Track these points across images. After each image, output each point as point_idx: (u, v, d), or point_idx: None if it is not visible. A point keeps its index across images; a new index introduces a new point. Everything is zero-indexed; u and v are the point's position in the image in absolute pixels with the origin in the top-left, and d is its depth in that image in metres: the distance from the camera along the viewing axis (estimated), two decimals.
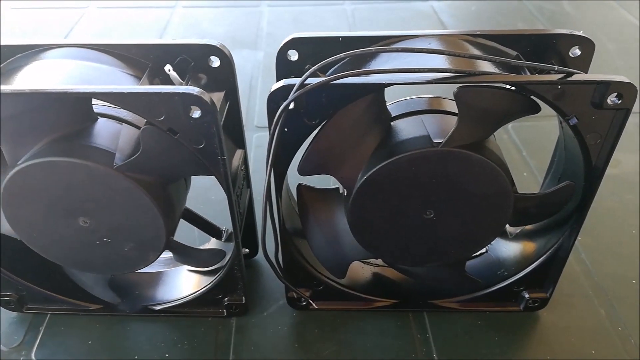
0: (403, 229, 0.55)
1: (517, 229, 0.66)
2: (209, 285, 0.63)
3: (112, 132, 0.52)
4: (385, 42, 0.54)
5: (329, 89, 0.46)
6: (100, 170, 0.49)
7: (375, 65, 0.50)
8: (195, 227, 0.69)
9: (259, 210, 0.52)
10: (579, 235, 0.58)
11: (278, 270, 0.58)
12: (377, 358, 0.61)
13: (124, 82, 0.51)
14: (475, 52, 0.51)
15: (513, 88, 0.48)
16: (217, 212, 0.70)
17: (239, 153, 0.61)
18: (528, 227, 0.65)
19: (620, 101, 0.46)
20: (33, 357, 0.61)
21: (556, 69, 0.47)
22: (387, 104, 0.53)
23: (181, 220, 0.62)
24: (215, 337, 0.64)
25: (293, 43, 0.54)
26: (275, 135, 0.48)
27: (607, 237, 0.76)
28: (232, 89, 0.56)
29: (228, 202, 0.53)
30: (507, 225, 0.66)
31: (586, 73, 0.54)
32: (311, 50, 0.54)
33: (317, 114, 0.49)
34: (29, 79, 0.50)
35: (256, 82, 1.13)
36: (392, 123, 0.54)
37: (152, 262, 0.57)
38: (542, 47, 0.54)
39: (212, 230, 0.69)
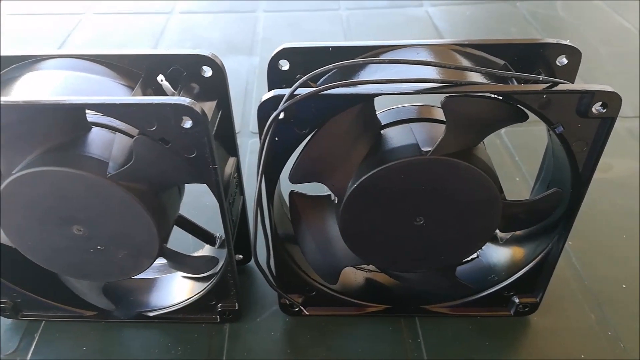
0: (393, 236, 0.56)
1: (508, 235, 0.67)
2: (202, 292, 0.64)
3: (105, 142, 0.52)
4: (375, 52, 0.54)
5: (318, 99, 0.47)
6: (93, 179, 0.50)
7: (364, 75, 0.51)
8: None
9: (252, 216, 0.52)
10: (569, 239, 0.58)
11: (269, 277, 0.59)
12: None
13: (117, 93, 0.52)
14: (464, 61, 0.52)
15: (500, 97, 0.49)
16: (211, 218, 0.70)
17: (231, 161, 0.62)
18: (518, 232, 0.65)
19: (605, 110, 0.47)
20: None
21: (541, 78, 0.47)
22: (377, 113, 0.54)
23: (175, 227, 0.62)
24: (209, 342, 0.64)
25: (284, 53, 0.55)
26: (265, 144, 0.48)
27: (597, 242, 0.77)
28: (224, 98, 0.57)
29: (220, 209, 0.54)
30: (498, 231, 0.67)
31: (573, 81, 0.55)
32: (302, 60, 0.55)
33: (308, 123, 0.49)
34: (24, 89, 0.51)
35: (252, 87, 1.13)
36: (381, 131, 0.54)
37: (146, 269, 0.58)
38: (530, 56, 0.54)
39: (205, 236, 0.70)
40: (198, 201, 0.75)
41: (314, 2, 1.52)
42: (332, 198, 0.60)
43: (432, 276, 0.63)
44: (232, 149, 0.63)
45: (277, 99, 0.47)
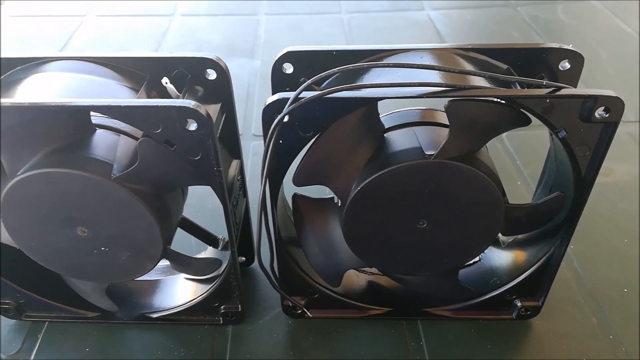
0: (396, 239, 0.56)
1: (510, 238, 0.67)
2: (205, 294, 0.64)
3: (109, 144, 0.52)
4: (379, 56, 0.55)
5: (322, 102, 0.47)
6: (98, 181, 0.50)
7: (368, 78, 0.51)
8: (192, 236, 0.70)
9: (256, 219, 0.53)
10: (571, 243, 0.58)
11: (273, 279, 0.59)
12: None
13: (122, 95, 0.52)
14: (467, 66, 0.53)
15: (503, 102, 0.49)
16: (215, 220, 0.70)
17: (235, 163, 0.62)
18: (520, 236, 0.66)
19: (607, 115, 0.47)
20: None
21: (544, 83, 0.48)
22: (380, 116, 0.54)
23: (179, 228, 0.62)
24: (212, 344, 0.64)
25: (288, 56, 0.55)
26: (270, 147, 0.49)
27: (599, 245, 0.77)
28: (228, 100, 0.57)
29: (224, 211, 0.54)
30: (500, 234, 0.68)
31: (575, 86, 0.55)
32: (306, 63, 0.55)
33: (312, 126, 0.50)
34: (29, 91, 0.51)
35: (253, 90, 1.14)
36: (385, 135, 0.55)
37: (149, 270, 0.58)
38: (533, 60, 0.55)
39: (208, 238, 0.70)
40: (201, 203, 0.75)
41: (315, 5, 1.53)
42: (336, 201, 0.60)
43: (434, 279, 0.63)
44: (235, 152, 0.63)
45: (281, 102, 0.47)
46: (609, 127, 0.48)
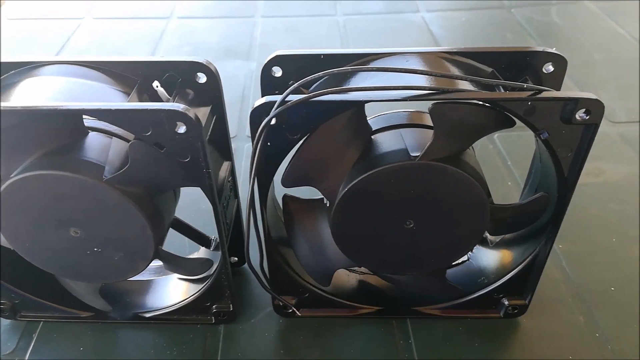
0: (384, 239, 0.57)
1: (497, 238, 0.68)
2: (197, 293, 0.65)
3: (101, 146, 0.53)
4: (367, 60, 0.56)
5: (309, 105, 0.48)
6: (90, 183, 0.51)
7: (355, 82, 0.52)
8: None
9: (245, 219, 0.54)
10: (559, 242, 0.59)
11: (263, 279, 0.60)
12: None
13: (113, 99, 0.53)
14: (452, 69, 0.54)
15: (487, 104, 0.50)
16: (208, 221, 0.70)
17: (225, 165, 0.63)
18: (507, 236, 0.67)
19: (588, 117, 0.48)
20: None
21: (525, 86, 0.48)
22: (367, 118, 0.55)
23: (172, 229, 0.63)
24: (204, 343, 0.65)
25: (277, 60, 0.56)
26: (257, 149, 0.50)
27: (587, 245, 0.78)
28: (218, 103, 0.58)
29: (214, 212, 0.55)
30: (488, 234, 0.69)
31: (559, 88, 0.56)
32: (295, 67, 0.56)
33: (299, 129, 0.51)
34: (22, 95, 0.52)
35: (249, 92, 1.14)
36: (372, 137, 0.56)
37: (142, 270, 0.59)
38: (518, 63, 0.56)
39: (201, 239, 0.71)
40: (194, 205, 0.76)
41: (312, 8, 1.54)
42: (325, 202, 0.61)
43: (423, 278, 0.64)
44: (226, 154, 0.64)
45: (269, 105, 0.48)
46: (590, 129, 0.49)
